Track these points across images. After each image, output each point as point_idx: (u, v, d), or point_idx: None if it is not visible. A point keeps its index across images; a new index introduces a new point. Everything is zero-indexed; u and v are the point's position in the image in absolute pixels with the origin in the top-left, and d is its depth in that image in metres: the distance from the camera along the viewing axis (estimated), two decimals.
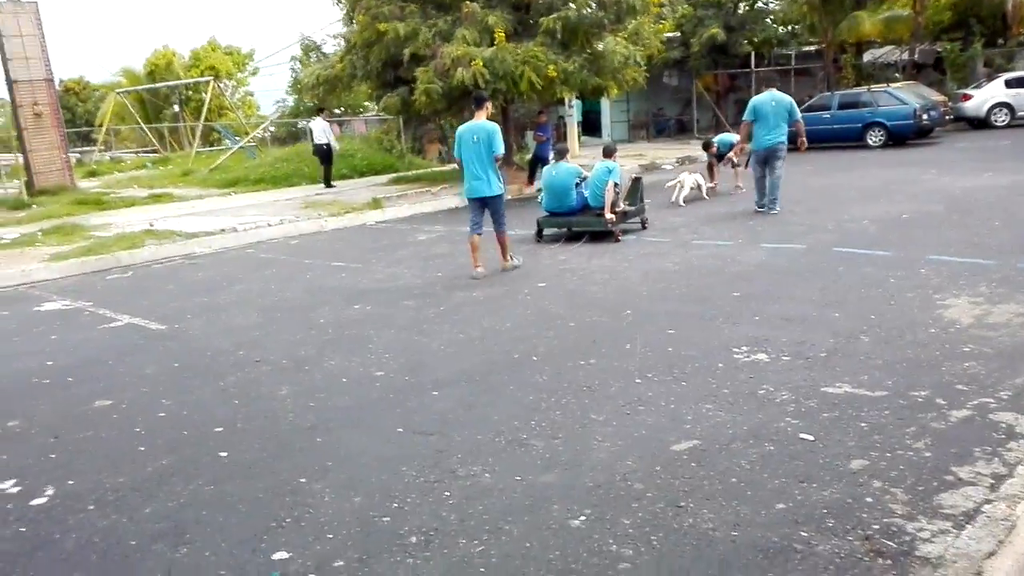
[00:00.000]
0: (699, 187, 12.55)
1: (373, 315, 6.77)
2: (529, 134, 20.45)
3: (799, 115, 10.82)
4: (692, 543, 2.91)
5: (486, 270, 8.05)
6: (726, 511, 3.11)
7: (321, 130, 17.10)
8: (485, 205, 8.09)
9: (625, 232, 9.84)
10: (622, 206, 9.80)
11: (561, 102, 22.60)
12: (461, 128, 8.16)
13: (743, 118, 11.08)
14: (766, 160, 10.51)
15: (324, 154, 17.35)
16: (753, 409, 4.08)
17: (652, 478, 3.42)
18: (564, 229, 10.16)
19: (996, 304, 5.57)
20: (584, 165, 11.08)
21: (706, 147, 13.60)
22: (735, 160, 12.53)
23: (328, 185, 17.42)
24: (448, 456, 3.81)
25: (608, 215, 9.43)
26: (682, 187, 12.27)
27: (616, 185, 9.50)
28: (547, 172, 10.26)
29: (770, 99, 10.58)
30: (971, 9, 24.00)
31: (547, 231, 10.13)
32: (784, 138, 10.52)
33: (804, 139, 11.19)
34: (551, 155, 11.71)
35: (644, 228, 10.22)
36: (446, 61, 13.68)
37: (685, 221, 10.47)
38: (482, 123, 7.93)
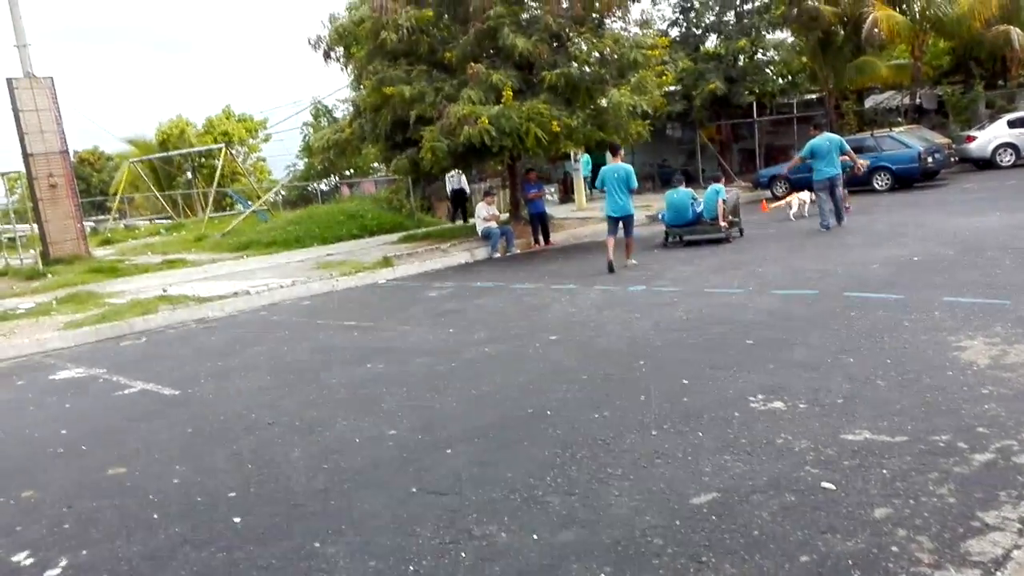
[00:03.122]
0: (805, 203, 15.24)
1: (385, 374, 6.76)
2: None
3: (848, 148, 13.53)
4: None
5: (618, 263, 11.10)
6: (748, 565, 3.04)
7: (458, 177, 21.19)
8: (620, 221, 11.46)
9: (726, 240, 12.95)
10: (729, 218, 13.13)
11: (567, 157, 22.91)
12: (604, 168, 11.71)
13: (799, 154, 13.95)
14: (830, 189, 12.92)
15: (459, 196, 21.99)
16: (772, 459, 4.02)
17: (672, 533, 3.36)
18: (678, 239, 13.53)
19: (1013, 344, 5.51)
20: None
21: None
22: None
23: (464, 222, 20.97)
24: (463, 516, 3.76)
25: (722, 223, 12.87)
26: (790, 205, 15.41)
27: (724, 201, 13.02)
28: (669, 195, 13.62)
29: (825, 140, 13.19)
30: (970, 52, 24.31)
31: (670, 239, 13.60)
32: (839, 169, 13.04)
33: (859, 162, 13.97)
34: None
35: (741, 235, 13.45)
36: (452, 120, 13.91)
37: (696, 270, 10.48)
38: (620, 165, 11.59)
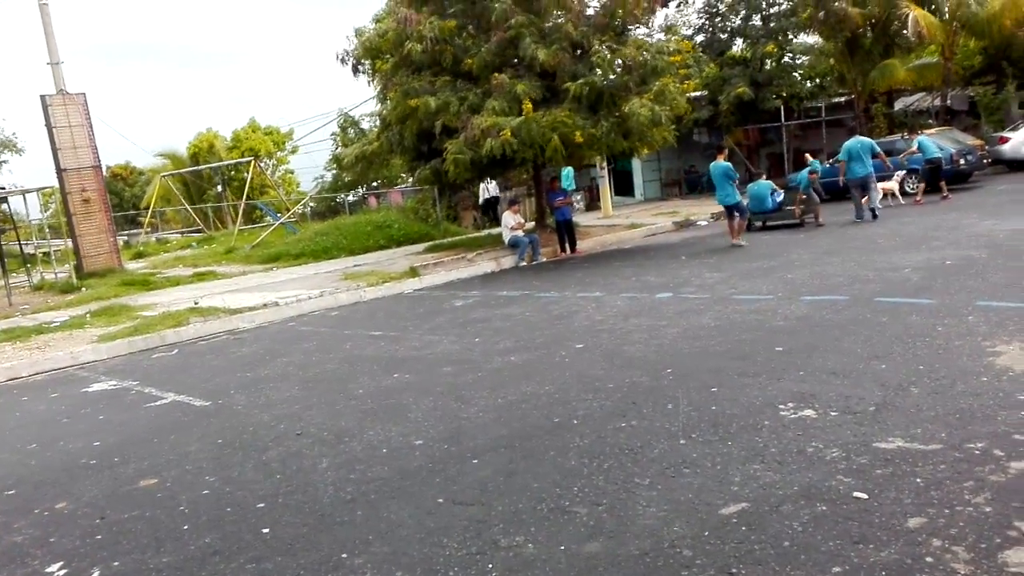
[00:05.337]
0: (893, 194, 16.44)
1: (411, 383, 6.77)
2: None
3: (879, 150, 15.04)
4: None
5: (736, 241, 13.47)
6: None
7: (495, 186, 22.98)
8: (726, 208, 13.70)
9: (800, 225, 15.06)
10: (802, 206, 15.04)
11: (592, 165, 22.91)
12: (711, 165, 13.97)
13: (839, 158, 15.34)
14: (862, 186, 14.45)
15: (491, 204, 23.69)
16: (803, 468, 3.96)
17: (701, 544, 3.32)
18: (762, 223, 15.49)
19: None
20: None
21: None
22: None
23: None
24: (489, 526, 3.75)
25: (796, 210, 14.94)
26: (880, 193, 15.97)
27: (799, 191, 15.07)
28: (751, 187, 15.58)
29: (857, 143, 14.86)
30: (1002, 52, 23.90)
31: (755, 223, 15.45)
32: (871, 169, 14.49)
33: (888, 164, 15.69)
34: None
35: (816, 222, 14.85)
36: (475, 132, 13.95)
37: (723, 276, 10.39)
38: (721, 163, 13.72)
